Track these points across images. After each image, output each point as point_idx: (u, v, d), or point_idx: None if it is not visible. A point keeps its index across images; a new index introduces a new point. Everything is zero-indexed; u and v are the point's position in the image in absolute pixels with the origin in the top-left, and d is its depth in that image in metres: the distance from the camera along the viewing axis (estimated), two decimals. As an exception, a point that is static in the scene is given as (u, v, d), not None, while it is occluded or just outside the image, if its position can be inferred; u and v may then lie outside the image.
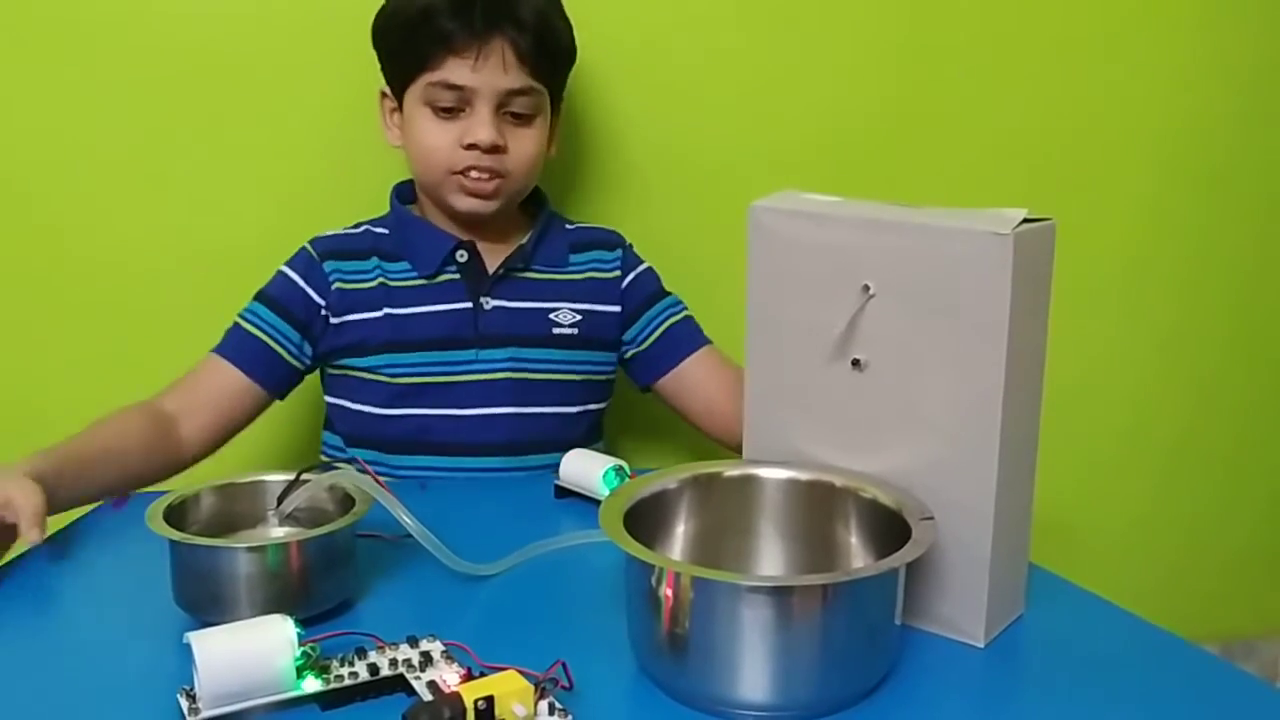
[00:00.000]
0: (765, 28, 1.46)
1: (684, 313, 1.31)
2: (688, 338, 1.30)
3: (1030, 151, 1.58)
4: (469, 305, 1.22)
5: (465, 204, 1.21)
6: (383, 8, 1.22)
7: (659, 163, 1.47)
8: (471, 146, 1.17)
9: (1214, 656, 0.79)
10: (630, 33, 1.40)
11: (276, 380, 1.22)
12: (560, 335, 1.24)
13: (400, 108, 1.22)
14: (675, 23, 1.43)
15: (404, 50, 1.19)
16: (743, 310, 0.87)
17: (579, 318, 1.25)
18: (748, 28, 1.45)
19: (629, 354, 1.30)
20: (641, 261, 1.32)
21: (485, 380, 1.22)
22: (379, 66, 1.23)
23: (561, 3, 1.23)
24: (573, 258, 1.28)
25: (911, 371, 0.79)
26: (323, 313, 1.21)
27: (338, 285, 1.21)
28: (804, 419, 0.85)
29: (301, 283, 1.22)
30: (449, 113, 1.17)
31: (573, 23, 1.24)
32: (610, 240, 1.32)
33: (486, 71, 1.15)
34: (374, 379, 1.21)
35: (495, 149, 1.17)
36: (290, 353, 1.21)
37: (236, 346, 1.20)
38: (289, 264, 1.24)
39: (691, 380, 1.28)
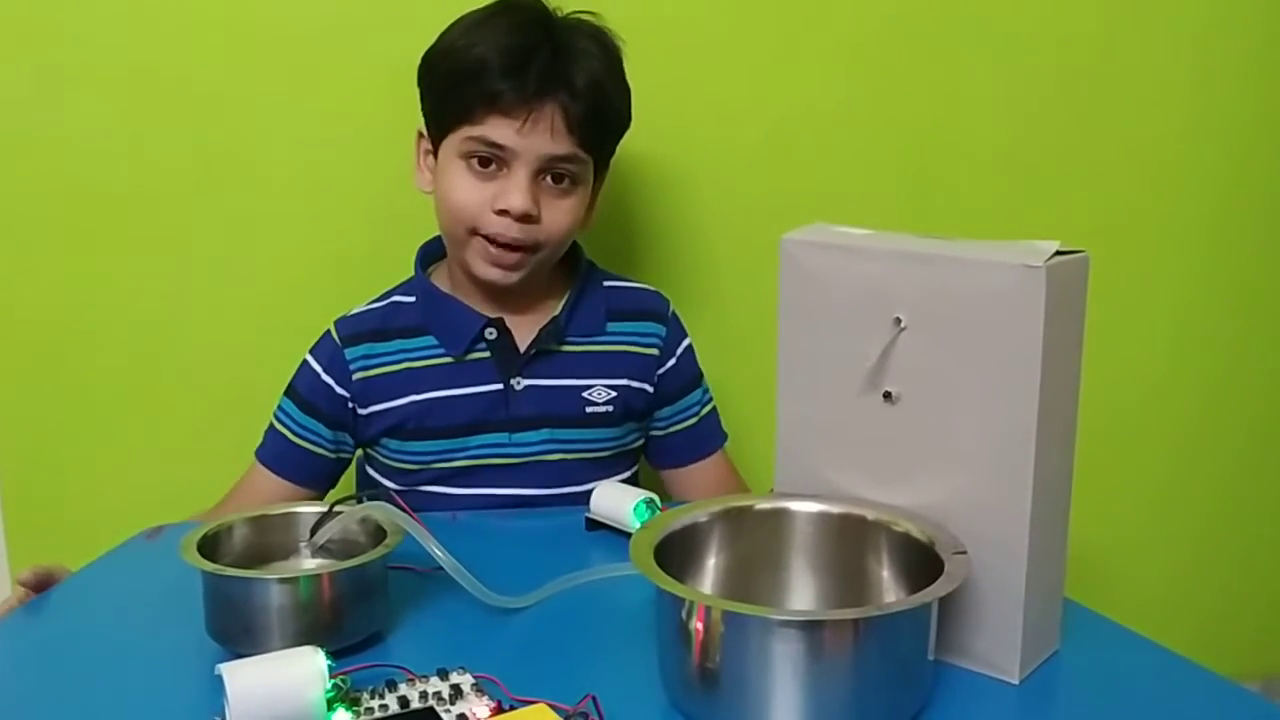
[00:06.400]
0: (795, 60, 1.46)
1: (709, 406, 1.30)
2: (707, 438, 1.29)
3: (1077, 187, 1.57)
4: (499, 386, 1.17)
5: (485, 272, 1.15)
6: (433, 46, 1.15)
7: (688, 196, 1.47)
8: (503, 212, 1.11)
9: (1255, 695, 0.77)
10: (659, 67, 1.41)
11: (324, 478, 1.22)
12: (594, 414, 1.20)
13: (435, 152, 1.16)
14: (705, 56, 1.44)
15: (448, 100, 1.13)
16: (773, 342, 0.87)
17: (613, 394, 1.20)
18: (778, 58, 1.46)
19: (649, 433, 1.29)
20: (684, 337, 1.28)
21: (519, 464, 1.19)
22: (419, 105, 1.18)
23: (621, 67, 1.17)
24: (610, 326, 1.22)
25: (944, 404, 0.79)
26: (349, 405, 1.18)
27: (359, 375, 1.17)
28: (835, 452, 0.85)
29: (325, 376, 1.18)
30: (484, 168, 1.12)
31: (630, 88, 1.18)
32: (654, 310, 1.26)
33: (533, 136, 1.09)
34: (403, 466, 1.20)
35: (527, 218, 1.11)
36: (327, 449, 1.20)
37: (277, 455, 1.20)
38: (314, 352, 1.20)
39: (694, 479, 1.29)
